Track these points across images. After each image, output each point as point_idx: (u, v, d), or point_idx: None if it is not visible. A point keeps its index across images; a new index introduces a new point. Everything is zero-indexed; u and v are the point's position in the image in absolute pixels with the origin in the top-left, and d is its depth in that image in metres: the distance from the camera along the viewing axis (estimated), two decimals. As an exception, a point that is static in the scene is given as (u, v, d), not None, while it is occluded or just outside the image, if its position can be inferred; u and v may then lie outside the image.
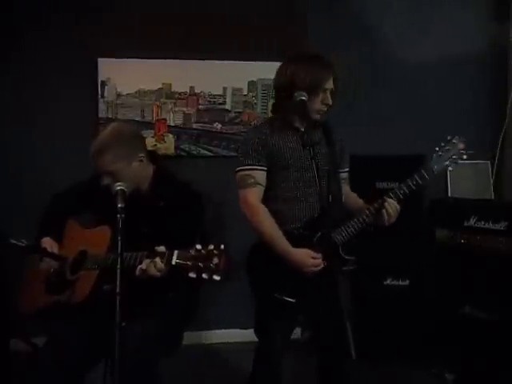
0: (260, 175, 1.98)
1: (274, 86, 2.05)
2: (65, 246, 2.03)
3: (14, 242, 1.89)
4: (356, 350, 1.50)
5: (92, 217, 2.07)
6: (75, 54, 3.21)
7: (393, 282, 3.11)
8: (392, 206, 1.93)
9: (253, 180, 1.96)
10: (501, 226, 2.73)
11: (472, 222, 2.86)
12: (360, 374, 1.96)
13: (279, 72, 2.02)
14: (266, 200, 2.00)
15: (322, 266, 1.88)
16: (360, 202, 2.13)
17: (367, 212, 1.96)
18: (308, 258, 1.88)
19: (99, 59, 3.22)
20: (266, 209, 1.96)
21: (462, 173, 3.42)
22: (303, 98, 1.89)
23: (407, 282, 3.10)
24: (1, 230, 2.59)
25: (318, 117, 2.00)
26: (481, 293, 2.77)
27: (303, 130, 2.00)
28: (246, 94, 3.41)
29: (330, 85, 1.97)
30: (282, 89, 1.98)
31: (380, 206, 1.94)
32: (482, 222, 2.81)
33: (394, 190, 1.97)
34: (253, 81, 3.40)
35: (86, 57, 3.21)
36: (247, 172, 1.98)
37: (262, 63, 3.33)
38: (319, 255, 1.88)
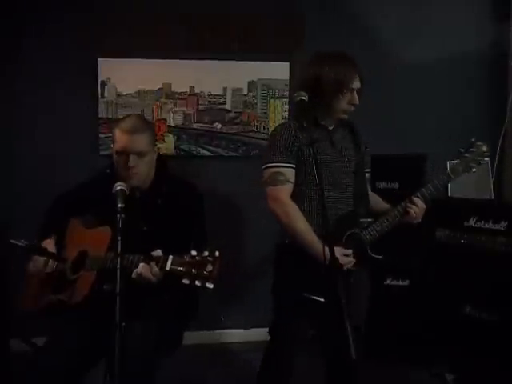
0: (290, 173, 1.96)
1: (300, 85, 2.01)
2: (67, 246, 2.03)
3: (14, 242, 1.89)
4: (356, 350, 1.50)
5: (94, 217, 2.07)
6: (75, 54, 3.21)
7: (393, 282, 3.11)
8: (420, 205, 1.98)
9: (284, 177, 1.93)
10: (501, 226, 2.73)
11: (472, 222, 2.86)
12: (360, 374, 1.95)
13: (304, 72, 2.02)
14: (292, 198, 1.97)
15: (353, 263, 1.91)
16: (381, 201, 2.17)
17: (396, 211, 2.00)
18: (340, 255, 1.88)
19: (99, 59, 3.22)
20: (297, 208, 1.94)
21: (462, 173, 3.42)
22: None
23: (407, 282, 3.11)
24: (1, 230, 2.60)
25: (345, 116, 2.02)
26: (481, 293, 2.77)
27: (331, 128, 2.01)
28: (245, 94, 3.41)
29: (356, 84, 1.97)
30: (308, 89, 1.92)
31: (407, 206, 1.98)
32: (482, 222, 2.81)
33: (421, 191, 2.01)
34: (253, 81, 3.40)
35: (85, 57, 3.21)
36: (277, 169, 1.95)
37: (261, 63, 3.33)
38: (350, 251, 1.92)
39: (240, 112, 3.42)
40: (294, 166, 1.96)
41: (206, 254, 1.59)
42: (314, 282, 1.88)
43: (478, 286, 2.79)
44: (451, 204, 3.19)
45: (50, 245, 1.99)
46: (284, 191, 1.94)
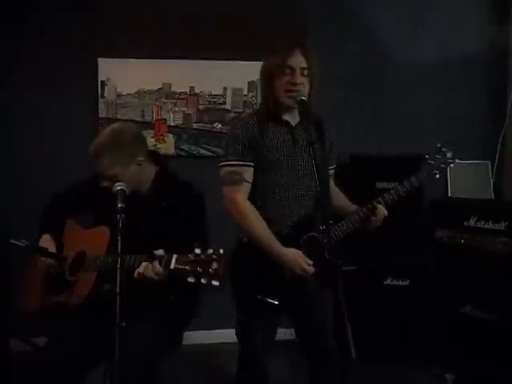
0: (247, 171, 1.88)
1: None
2: (64, 246, 2.02)
3: (14, 242, 1.89)
4: (356, 350, 1.50)
5: (92, 217, 2.07)
6: (75, 54, 3.21)
7: (393, 282, 3.11)
8: (381, 212, 1.94)
9: (239, 177, 1.87)
10: (501, 225, 2.73)
11: (472, 222, 2.86)
12: (360, 374, 1.95)
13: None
14: (251, 197, 1.91)
15: (313, 270, 1.83)
16: (344, 199, 2.09)
17: (356, 216, 1.94)
18: (301, 258, 1.83)
19: (99, 59, 3.23)
20: (254, 208, 1.88)
21: (461, 173, 3.42)
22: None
23: (407, 282, 3.11)
24: (1, 230, 2.60)
25: (288, 101, 1.89)
26: (481, 293, 2.78)
27: (294, 125, 1.94)
28: (245, 93, 3.41)
29: (295, 63, 1.88)
30: (262, 82, 2.04)
31: (370, 212, 1.93)
32: (482, 222, 2.81)
33: (383, 197, 1.97)
34: (253, 81, 3.40)
35: (85, 57, 3.21)
36: (233, 168, 1.88)
37: (261, 63, 3.32)
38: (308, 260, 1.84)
39: (240, 112, 3.41)
40: (251, 163, 1.88)
41: (211, 251, 1.58)
42: (268, 284, 1.84)
43: (477, 286, 2.79)
44: (451, 204, 3.19)
45: (48, 240, 1.99)
46: (240, 191, 1.87)
